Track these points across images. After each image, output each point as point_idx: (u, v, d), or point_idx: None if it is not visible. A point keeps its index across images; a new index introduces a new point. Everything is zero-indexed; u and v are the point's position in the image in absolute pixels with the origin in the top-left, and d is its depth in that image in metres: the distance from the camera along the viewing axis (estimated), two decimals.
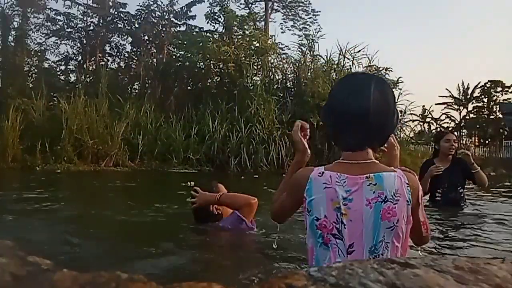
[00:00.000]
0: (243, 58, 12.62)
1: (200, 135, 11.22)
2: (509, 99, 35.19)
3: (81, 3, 17.09)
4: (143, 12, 16.72)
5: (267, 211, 3.77)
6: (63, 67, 17.75)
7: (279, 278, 0.60)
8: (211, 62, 13.13)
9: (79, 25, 17.36)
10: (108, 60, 18.01)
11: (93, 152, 10.25)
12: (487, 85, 37.72)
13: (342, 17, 50.27)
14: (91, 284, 0.52)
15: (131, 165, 10.48)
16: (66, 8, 17.03)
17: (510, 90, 35.98)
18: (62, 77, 17.20)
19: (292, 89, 12.88)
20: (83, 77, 15.30)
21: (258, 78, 12.96)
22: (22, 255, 0.60)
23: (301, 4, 21.25)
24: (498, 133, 30.37)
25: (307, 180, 1.13)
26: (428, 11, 63.11)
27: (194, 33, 16.05)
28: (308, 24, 20.97)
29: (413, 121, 26.74)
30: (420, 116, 39.37)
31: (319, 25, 21.27)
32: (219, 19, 14.69)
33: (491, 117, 36.65)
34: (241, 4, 21.53)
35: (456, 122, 40.23)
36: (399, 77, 13.47)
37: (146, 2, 16.56)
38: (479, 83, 38.57)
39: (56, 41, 17.48)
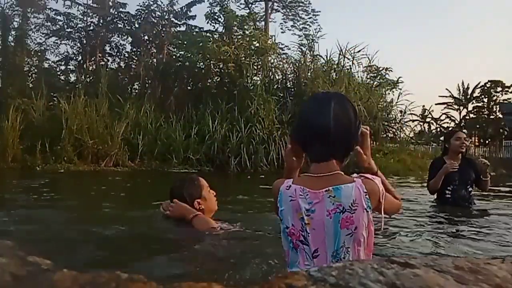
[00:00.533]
0: (243, 58, 12.62)
1: (200, 135, 11.22)
2: (509, 99, 35.20)
3: (81, 3, 17.12)
4: (143, 12, 16.72)
5: (268, 211, 3.77)
6: (63, 67, 17.80)
7: (279, 278, 0.60)
8: (211, 62, 13.13)
9: (79, 25, 17.39)
10: (108, 60, 18.04)
11: (93, 152, 10.25)
12: (487, 85, 37.72)
13: (342, 17, 50.35)
14: (91, 284, 0.52)
15: (131, 165, 10.48)
16: (66, 8, 17.06)
17: (510, 90, 35.99)
18: (62, 77, 17.22)
19: (292, 89, 12.88)
20: (83, 77, 15.30)
21: (258, 78, 12.96)
22: (22, 255, 0.60)
23: (301, 4, 21.25)
24: (498, 133, 30.35)
25: (278, 192, 1.29)
26: (428, 11, 63.15)
27: (194, 33, 16.06)
28: (308, 24, 21.01)
29: (413, 121, 26.78)
30: (420, 116, 39.36)
31: (319, 25, 21.30)
32: (219, 19, 14.70)
33: (491, 117, 36.64)
34: (241, 4, 21.56)
35: (456, 122, 40.23)
36: (399, 77, 13.50)
37: (146, 2, 16.59)
38: (479, 83, 38.61)
39: (56, 41, 17.52)
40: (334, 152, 1.27)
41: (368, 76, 13.55)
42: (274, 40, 14.57)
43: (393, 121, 13.76)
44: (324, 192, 1.22)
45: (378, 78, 13.51)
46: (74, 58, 17.80)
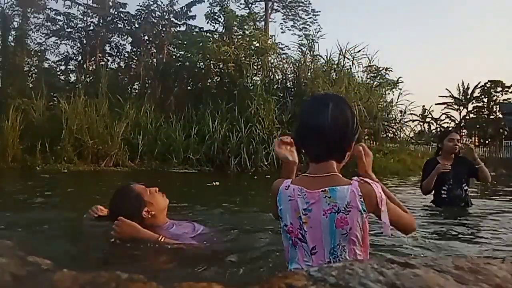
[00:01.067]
0: (243, 58, 12.62)
1: (200, 135, 11.21)
2: (509, 99, 35.20)
3: (81, 3, 17.13)
4: (143, 12, 16.72)
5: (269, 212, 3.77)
6: (63, 67, 17.80)
7: (279, 278, 0.60)
8: (211, 62, 13.13)
9: (79, 25, 17.39)
10: (108, 60, 18.04)
11: (93, 152, 10.25)
12: (487, 85, 37.72)
13: (342, 17, 50.36)
14: (91, 284, 0.52)
15: (131, 165, 10.48)
16: (66, 8, 17.07)
17: (510, 90, 35.99)
18: (62, 77, 17.23)
19: (292, 89, 12.88)
20: (83, 77, 15.30)
21: (258, 78, 12.96)
22: (22, 255, 0.60)
23: (301, 4, 21.25)
24: (498, 133, 30.36)
25: (277, 191, 1.33)
26: (428, 11, 63.16)
27: (194, 33, 16.06)
28: (308, 24, 21.00)
29: (413, 121, 26.77)
30: (420, 116, 39.37)
31: (319, 25, 21.29)
32: (219, 19, 14.71)
33: (491, 117, 36.65)
34: (241, 4, 21.56)
35: (456, 122, 40.23)
36: (399, 77, 13.49)
37: (146, 2, 16.60)
38: (479, 83, 38.62)
39: (56, 41, 17.53)
40: (332, 152, 1.31)
41: (368, 76, 13.55)
42: (274, 40, 14.58)
43: (393, 121, 13.75)
44: (321, 192, 1.26)
45: (378, 78, 13.50)
46: (74, 58, 17.81)
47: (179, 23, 17.58)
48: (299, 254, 1.30)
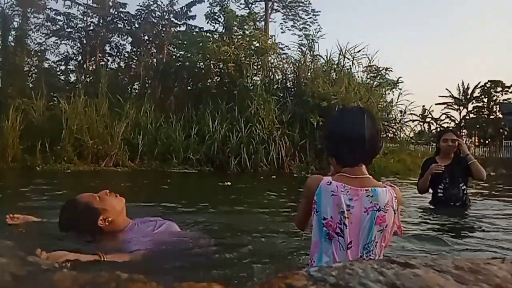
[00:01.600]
0: (243, 58, 12.61)
1: (200, 135, 11.21)
2: (509, 99, 35.20)
3: (81, 3, 17.11)
4: (143, 12, 16.72)
5: (269, 213, 3.77)
6: (63, 67, 17.77)
7: (279, 278, 0.60)
8: (211, 62, 13.12)
9: (79, 25, 17.37)
10: (108, 60, 18.02)
11: (93, 152, 10.25)
12: (487, 85, 37.72)
13: (342, 17, 50.34)
14: (91, 284, 0.52)
15: (131, 165, 10.48)
16: (66, 8, 17.05)
17: (510, 90, 35.99)
18: (62, 77, 17.20)
19: (292, 89, 12.87)
20: (83, 77, 15.30)
21: (258, 78, 12.95)
22: (22, 255, 0.60)
23: (301, 4, 21.25)
24: (498, 133, 30.36)
25: (317, 186, 1.39)
26: (428, 11, 63.15)
27: (194, 33, 16.05)
28: (308, 24, 21.00)
29: (413, 121, 26.77)
30: (420, 116, 39.37)
31: (319, 25, 21.27)
32: (219, 19, 14.69)
33: (491, 117, 36.63)
34: (241, 4, 21.56)
35: (456, 122, 40.23)
36: (399, 77, 13.46)
37: (146, 2, 16.59)
38: (479, 83, 38.61)
39: (56, 41, 17.50)
40: (366, 158, 1.47)
41: (368, 76, 13.54)
42: (274, 40, 14.56)
43: (393, 121, 13.74)
44: (364, 191, 1.38)
45: (378, 78, 13.48)
46: (74, 58, 17.79)
47: (179, 23, 17.58)
48: (333, 247, 1.37)
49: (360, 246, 1.36)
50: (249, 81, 12.55)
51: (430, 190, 3.79)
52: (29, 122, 10.72)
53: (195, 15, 17.55)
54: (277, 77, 13.28)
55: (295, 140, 11.17)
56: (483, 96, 38.51)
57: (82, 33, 17.33)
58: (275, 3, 21.56)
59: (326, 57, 13.24)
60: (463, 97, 40.16)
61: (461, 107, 40.37)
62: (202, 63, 13.54)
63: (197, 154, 10.74)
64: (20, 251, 0.61)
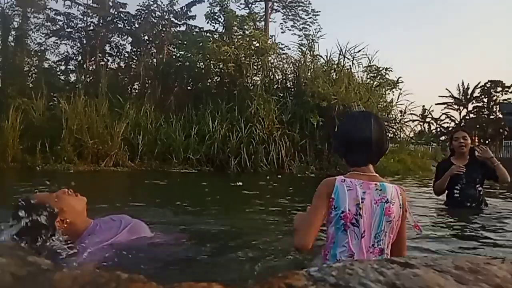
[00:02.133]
0: (243, 58, 12.61)
1: (200, 135, 11.21)
2: (509, 99, 35.21)
3: (81, 3, 17.12)
4: (143, 12, 16.72)
5: (269, 212, 3.77)
6: (63, 67, 17.77)
7: (279, 278, 0.60)
8: (211, 62, 13.12)
9: (79, 25, 17.38)
10: (108, 60, 18.02)
11: (93, 152, 10.25)
12: (487, 85, 37.74)
13: (342, 17, 50.36)
14: (91, 284, 0.52)
15: (131, 165, 10.48)
16: (66, 8, 17.06)
17: (510, 90, 36.01)
18: (62, 77, 17.19)
19: (292, 89, 12.86)
20: (83, 77, 15.30)
21: (258, 78, 12.95)
22: (22, 255, 0.60)
23: (301, 4, 21.24)
24: (498, 133, 30.38)
25: (333, 187, 1.52)
26: (428, 11, 63.16)
27: (194, 33, 16.05)
28: (308, 24, 21.01)
29: (413, 121, 26.79)
30: (420, 116, 39.39)
31: (319, 25, 21.31)
32: (219, 19, 14.67)
33: (491, 117, 36.66)
34: (241, 4, 21.56)
35: (456, 122, 40.24)
36: (399, 77, 13.46)
37: (146, 2, 16.59)
38: (479, 83, 38.64)
39: (56, 41, 17.50)
40: (373, 159, 1.60)
41: (368, 76, 13.54)
42: (274, 40, 14.58)
43: (393, 121, 13.73)
44: (374, 185, 1.53)
45: (378, 78, 13.48)
46: (74, 58, 17.78)
47: (179, 23, 17.58)
48: (349, 237, 1.49)
49: (372, 235, 1.49)
50: (249, 81, 12.55)
51: (445, 191, 3.73)
52: (29, 122, 10.72)
53: (195, 15, 17.59)
54: (277, 77, 13.28)
55: (295, 140, 11.17)
56: (483, 96, 38.54)
57: (82, 33, 17.33)
58: (275, 3, 21.56)
59: (326, 57, 13.25)
60: (463, 97, 40.17)
61: (461, 107, 40.39)
62: (202, 63, 13.54)
63: (197, 154, 10.74)
64: (20, 251, 0.61)
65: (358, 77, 13.22)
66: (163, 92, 13.72)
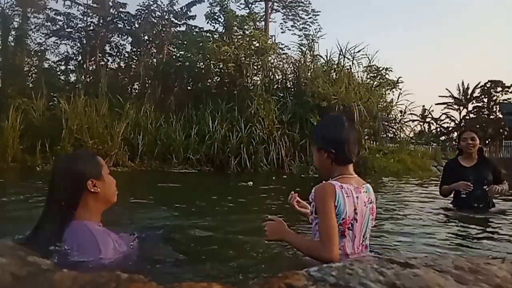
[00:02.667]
0: (243, 58, 12.61)
1: (200, 135, 11.21)
2: (509, 99, 35.20)
3: (81, 3, 17.12)
4: (143, 12, 16.72)
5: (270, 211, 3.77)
6: (63, 67, 17.78)
7: (279, 278, 0.60)
8: (211, 62, 13.12)
9: (79, 25, 17.39)
10: (108, 60, 18.03)
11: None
12: (487, 85, 37.73)
13: (342, 17, 50.35)
14: (91, 284, 0.52)
15: (131, 165, 10.48)
16: (66, 8, 17.07)
17: (510, 90, 36.00)
18: (62, 77, 17.20)
19: (292, 89, 12.87)
20: (83, 77, 15.30)
21: (258, 78, 12.95)
22: (22, 255, 0.60)
23: (301, 4, 21.24)
24: (498, 133, 30.37)
25: (335, 192, 1.56)
26: (428, 11, 63.16)
27: (194, 33, 16.04)
28: (308, 24, 21.01)
29: (413, 121, 26.80)
30: (420, 116, 39.38)
31: (319, 25, 21.30)
32: (219, 19, 14.67)
33: (491, 117, 36.65)
34: (241, 4, 21.56)
35: (456, 122, 40.23)
36: (399, 77, 13.47)
37: (146, 2, 16.60)
38: (479, 83, 38.63)
39: (56, 41, 17.51)
40: (354, 158, 1.70)
41: (368, 76, 13.54)
42: (274, 40, 14.58)
43: (393, 121, 13.74)
44: (362, 188, 1.63)
45: (378, 78, 13.49)
46: (74, 58, 17.79)
47: (179, 23, 17.58)
48: (345, 241, 1.56)
49: (361, 235, 1.60)
50: (249, 81, 12.56)
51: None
52: (29, 122, 10.72)
53: (195, 15, 17.59)
54: (277, 77, 13.28)
55: (295, 140, 11.17)
56: (483, 96, 38.53)
57: (82, 33, 17.33)
58: (275, 3, 21.55)
59: (326, 57, 13.26)
60: (463, 97, 40.16)
61: (461, 107, 40.37)
62: (202, 63, 13.54)
63: (197, 154, 10.74)
64: (20, 251, 0.61)
65: (358, 77, 13.24)
66: (163, 92, 13.72)
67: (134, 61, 17.08)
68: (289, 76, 13.31)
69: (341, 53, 12.99)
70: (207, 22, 14.92)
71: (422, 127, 39.23)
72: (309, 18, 21.13)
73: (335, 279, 0.60)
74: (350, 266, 0.66)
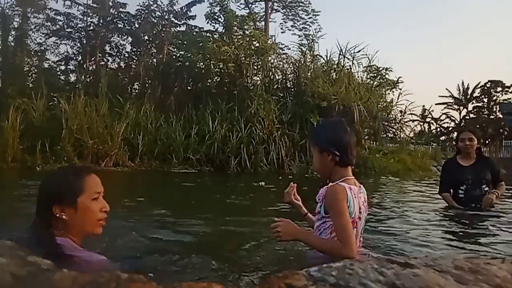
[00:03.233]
0: (243, 58, 12.61)
1: (200, 135, 11.21)
2: (509, 99, 35.20)
3: (81, 3, 17.12)
4: (143, 12, 16.72)
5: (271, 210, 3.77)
6: (63, 67, 17.78)
7: (279, 278, 0.60)
8: (211, 62, 13.12)
9: (79, 25, 17.39)
10: (108, 60, 18.03)
11: (93, 152, 10.24)
12: (487, 85, 37.73)
13: (342, 17, 50.35)
14: (91, 284, 0.52)
15: (131, 165, 10.48)
16: (66, 8, 17.07)
17: (510, 90, 36.01)
18: (62, 77, 17.20)
19: (292, 89, 12.86)
20: (83, 77, 15.30)
21: (258, 78, 12.95)
22: (22, 255, 0.60)
23: (301, 4, 21.23)
24: (498, 133, 30.36)
25: (347, 195, 1.65)
26: (428, 11, 63.16)
27: (194, 33, 16.04)
28: (308, 24, 21.00)
29: (413, 121, 26.78)
30: (420, 116, 39.36)
31: (319, 25, 21.28)
32: (219, 19, 14.67)
33: (491, 117, 36.65)
34: (241, 4, 21.55)
35: (456, 122, 40.22)
36: (399, 77, 13.46)
37: (146, 2, 16.60)
38: (479, 83, 38.63)
39: (56, 41, 17.50)
40: (353, 160, 1.79)
41: (368, 76, 13.54)
42: (274, 40, 14.58)
43: (393, 121, 13.74)
44: (360, 189, 1.76)
45: (378, 78, 13.49)
46: (74, 58, 17.79)
47: (179, 23, 17.58)
48: None
49: (360, 232, 1.73)
50: (249, 81, 12.55)
51: (451, 190, 3.68)
52: (29, 122, 10.71)
53: (195, 15, 17.59)
54: (277, 77, 13.28)
55: (295, 140, 11.17)
56: (483, 96, 38.53)
57: (82, 33, 17.33)
58: (275, 3, 21.55)
59: (326, 57, 13.26)
60: (463, 97, 40.16)
61: (461, 107, 40.37)
62: (202, 63, 13.53)
63: (197, 154, 10.74)
64: (20, 251, 0.61)
65: (358, 77, 13.24)
66: (163, 92, 13.72)
67: (134, 61, 17.08)
68: (289, 76, 13.32)
69: (341, 53, 13.00)
70: (207, 22, 14.93)
71: (422, 127, 39.24)
72: (309, 18, 21.15)
73: (335, 279, 0.60)
74: (350, 266, 0.66)
